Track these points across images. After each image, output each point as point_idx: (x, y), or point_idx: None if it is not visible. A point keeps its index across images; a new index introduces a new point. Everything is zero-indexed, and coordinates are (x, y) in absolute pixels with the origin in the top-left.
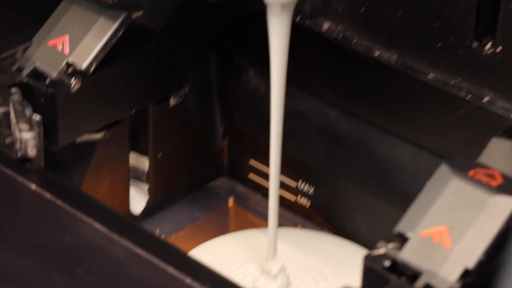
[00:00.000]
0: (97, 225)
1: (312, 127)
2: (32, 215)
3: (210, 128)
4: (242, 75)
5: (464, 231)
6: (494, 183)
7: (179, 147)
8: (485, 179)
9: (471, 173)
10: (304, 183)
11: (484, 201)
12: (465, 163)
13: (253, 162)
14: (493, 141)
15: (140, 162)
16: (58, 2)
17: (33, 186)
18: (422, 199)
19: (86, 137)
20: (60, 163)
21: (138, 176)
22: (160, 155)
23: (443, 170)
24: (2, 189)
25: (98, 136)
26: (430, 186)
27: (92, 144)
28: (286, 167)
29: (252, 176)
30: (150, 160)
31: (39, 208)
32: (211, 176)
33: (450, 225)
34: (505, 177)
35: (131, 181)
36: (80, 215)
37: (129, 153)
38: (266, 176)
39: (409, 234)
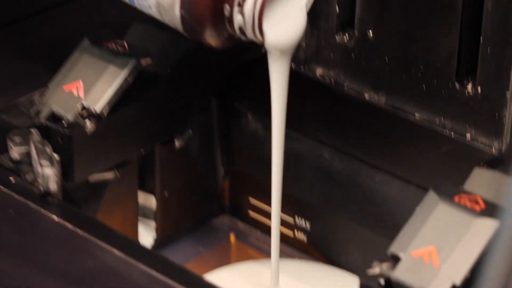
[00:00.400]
0: (116, 252)
1: (308, 166)
2: (55, 243)
3: (213, 169)
4: (241, 120)
5: (451, 251)
6: (478, 208)
7: (184, 186)
8: (469, 204)
9: (456, 198)
10: (300, 218)
11: (469, 224)
12: (450, 190)
13: (252, 201)
14: (475, 170)
15: (147, 200)
16: (71, 50)
17: (56, 218)
18: (412, 222)
19: (98, 176)
20: (75, 200)
21: (146, 213)
22: (166, 194)
23: (431, 196)
24: (27, 220)
25: (109, 175)
26: (419, 211)
27: (104, 183)
28: (283, 204)
29: (251, 213)
30: (157, 199)
31: (61, 237)
32: (214, 213)
33: (438, 245)
34: (487, 202)
35: (140, 218)
36: (100, 242)
37: (137, 192)
38: (265, 213)
39: (401, 255)
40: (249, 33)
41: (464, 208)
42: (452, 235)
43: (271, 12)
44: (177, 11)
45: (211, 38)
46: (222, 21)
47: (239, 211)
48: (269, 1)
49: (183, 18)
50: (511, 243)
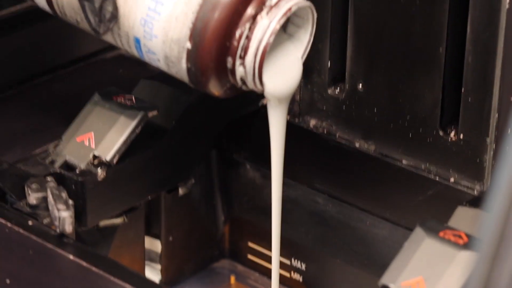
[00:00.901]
0: (129, 287)
1: (303, 211)
2: (71, 280)
3: (213, 215)
4: (240, 169)
5: (437, 281)
6: (461, 241)
7: (187, 231)
8: (453, 238)
9: (441, 234)
10: (296, 260)
11: (453, 256)
12: (436, 226)
13: (251, 245)
14: (458, 209)
15: (153, 244)
16: (82, 106)
17: (71, 256)
18: (401, 256)
19: (108, 221)
20: (86, 243)
21: (152, 257)
22: (171, 238)
23: (418, 232)
24: (44, 259)
25: (118, 220)
26: (407, 245)
27: (113, 228)
28: (280, 247)
29: (250, 257)
30: (162, 243)
31: (77, 274)
32: (215, 258)
33: (425, 276)
34: (470, 237)
35: (146, 262)
36: (113, 279)
37: (144, 236)
38: (263, 257)
39: (391, 286)
40: (250, 83)
41: (449, 242)
42: (438, 266)
43: (269, 63)
44: (183, 64)
45: (214, 88)
46: (225, 72)
47: (238, 254)
48: (268, 54)
49: (189, 70)
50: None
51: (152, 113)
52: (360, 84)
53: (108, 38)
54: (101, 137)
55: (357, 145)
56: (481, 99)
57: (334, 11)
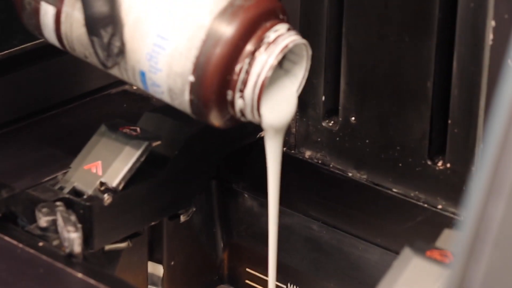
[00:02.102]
0: None
1: (298, 237)
2: None
3: (213, 242)
4: (238, 198)
5: None
6: (447, 260)
7: (188, 257)
8: (439, 257)
9: (428, 253)
10: (292, 285)
11: (440, 274)
12: (423, 246)
13: (249, 270)
14: (445, 231)
15: (156, 269)
16: (89, 137)
17: (80, 275)
18: (390, 275)
19: (113, 245)
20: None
21: (154, 281)
22: (172, 263)
23: (406, 251)
24: (54, 278)
25: (123, 245)
26: (396, 264)
27: (118, 252)
28: (277, 272)
29: (248, 282)
30: (164, 268)
31: None
32: (214, 282)
33: None
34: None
35: (149, 286)
36: None
37: (147, 261)
38: (260, 282)
39: None
40: (248, 115)
41: (435, 261)
42: (426, 284)
43: (267, 96)
44: (186, 96)
45: (215, 119)
46: (225, 104)
47: (237, 280)
48: (265, 88)
49: (191, 101)
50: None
51: (156, 143)
52: (353, 117)
53: (115, 71)
54: (108, 165)
55: (350, 174)
56: (467, 130)
57: (328, 48)
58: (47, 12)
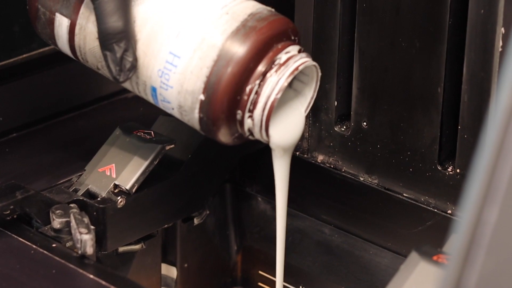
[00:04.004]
0: None
1: (310, 241)
2: None
3: (227, 245)
4: (252, 202)
5: None
6: None
7: (201, 259)
8: (446, 262)
9: (435, 257)
10: (304, 287)
11: None
12: (430, 251)
13: (261, 273)
14: (453, 236)
15: (169, 271)
16: (103, 141)
17: (91, 276)
18: (397, 278)
19: (127, 247)
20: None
21: (167, 283)
22: (186, 265)
23: (413, 256)
24: (66, 279)
25: (136, 247)
26: (403, 268)
27: (131, 254)
28: (289, 275)
29: (261, 284)
30: (178, 270)
31: None
32: (227, 285)
33: None
34: None
35: (162, 287)
36: None
37: (161, 263)
38: (272, 284)
39: None
40: (257, 134)
41: (442, 265)
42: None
43: (275, 116)
44: (196, 114)
45: (223, 136)
46: (234, 123)
47: (250, 282)
48: (274, 109)
49: (201, 119)
50: None
51: (169, 146)
52: (365, 122)
53: (126, 85)
54: (122, 168)
55: (361, 179)
56: (477, 135)
57: (341, 54)
58: (62, 24)
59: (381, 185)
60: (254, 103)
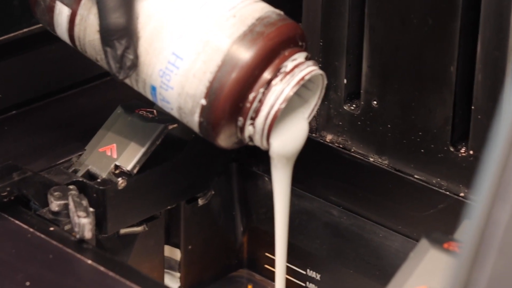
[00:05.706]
0: None
1: (318, 223)
2: (88, 284)
3: (232, 226)
4: (258, 182)
5: None
6: None
7: (206, 241)
8: (457, 249)
9: (445, 245)
10: (311, 271)
11: None
12: (441, 238)
13: (268, 255)
14: (464, 222)
15: (173, 253)
16: (104, 119)
17: (89, 261)
18: (406, 266)
19: (128, 229)
20: (106, 250)
21: (171, 265)
22: (190, 247)
23: (423, 243)
24: (63, 264)
25: (138, 229)
26: (413, 255)
27: (133, 236)
28: (296, 257)
29: (267, 266)
30: (181, 252)
31: (94, 279)
32: (233, 267)
33: (429, 286)
34: None
35: (165, 270)
36: (129, 283)
37: (164, 245)
38: None
39: None
40: (257, 141)
41: (453, 253)
42: (442, 276)
43: (277, 124)
44: (196, 117)
45: (222, 141)
46: (235, 129)
47: (256, 264)
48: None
49: (200, 123)
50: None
51: (172, 126)
52: (375, 101)
53: (125, 80)
54: (123, 148)
55: (371, 159)
56: (491, 116)
57: (351, 31)
58: (62, 12)
59: (391, 166)
60: (257, 111)
